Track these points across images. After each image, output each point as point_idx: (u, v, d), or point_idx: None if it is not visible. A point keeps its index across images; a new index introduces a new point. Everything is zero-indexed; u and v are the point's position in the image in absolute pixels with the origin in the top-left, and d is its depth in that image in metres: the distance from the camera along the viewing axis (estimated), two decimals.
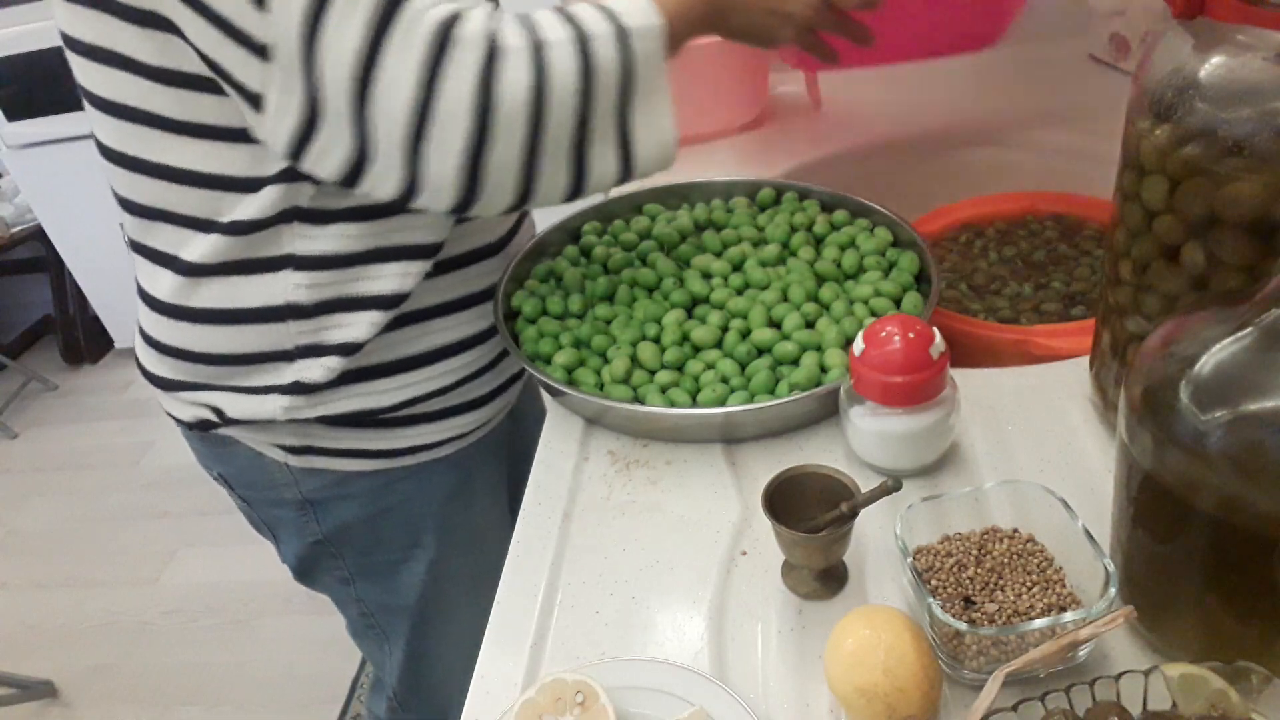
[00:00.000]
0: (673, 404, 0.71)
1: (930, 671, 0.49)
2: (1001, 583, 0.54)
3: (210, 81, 0.64)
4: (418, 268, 0.74)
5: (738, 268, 0.83)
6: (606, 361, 0.76)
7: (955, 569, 0.55)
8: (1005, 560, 0.55)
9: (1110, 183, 0.61)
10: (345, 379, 0.77)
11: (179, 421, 0.83)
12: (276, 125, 0.63)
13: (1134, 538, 0.51)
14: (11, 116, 2.44)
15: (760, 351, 0.75)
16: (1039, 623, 0.49)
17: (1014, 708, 0.44)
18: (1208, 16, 0.49)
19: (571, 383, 0.74)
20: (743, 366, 0.74)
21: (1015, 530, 0.56)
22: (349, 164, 0.63)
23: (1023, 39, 1.23)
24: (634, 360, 0.75)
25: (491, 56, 0.59)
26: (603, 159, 0.65)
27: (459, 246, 0.79)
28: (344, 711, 1.73)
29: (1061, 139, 1.04)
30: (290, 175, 0.67)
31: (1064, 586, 0.53)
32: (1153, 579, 0.51)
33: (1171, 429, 0.45)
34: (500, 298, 0.82)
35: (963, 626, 0.48)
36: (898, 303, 0.77)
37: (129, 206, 0.73)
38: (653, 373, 0.74)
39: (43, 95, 2.38)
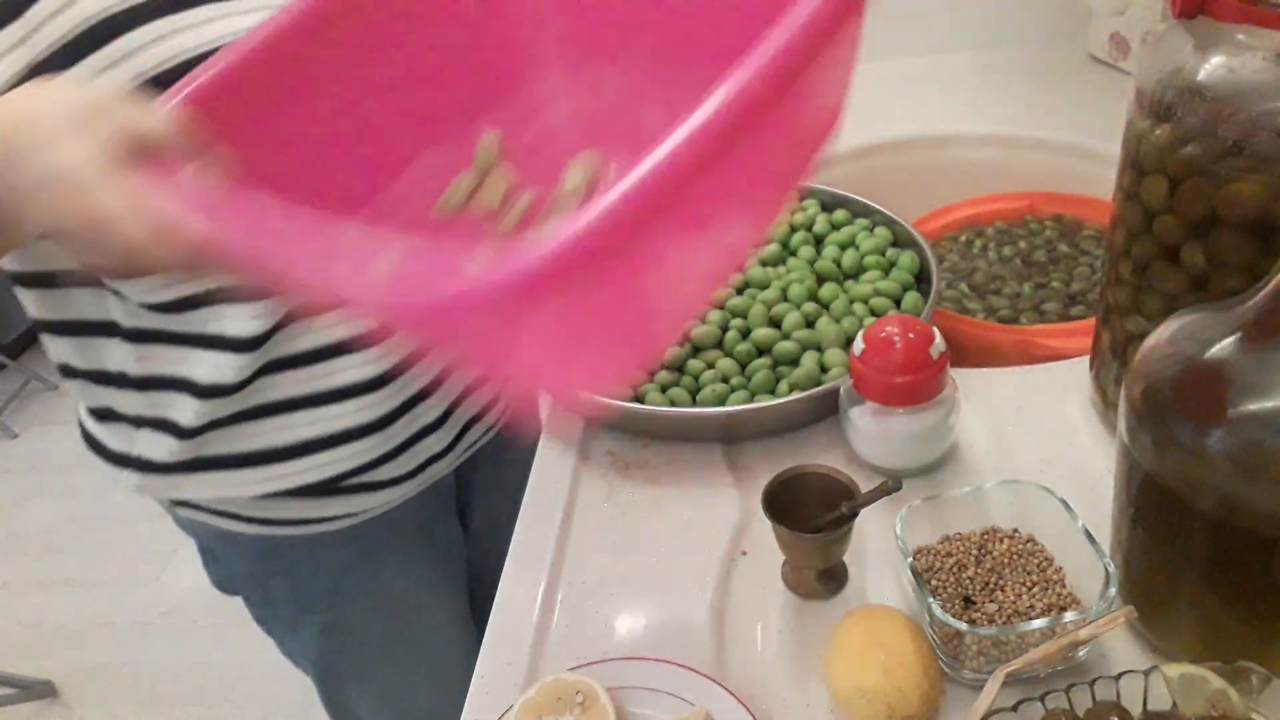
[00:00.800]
0: (673, 404, 0.71)
1: (930, 671, 0.49)
2: (1001, 583, 0.54)
3: None
4: (235, 361, 0.64)
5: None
6: None
7: (955, 569, 0.55)
8: (1005, 560, 0.55)
9: (1110, 183, 0.61)
10: (195, 465, 0.69)
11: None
12: None
13: (1134, 538, 0.51)
14: None
15: (760, 351, 0.75)
16: (1039, 623, 0.49)
17: (1014, 708, 0.44)
18: (1208, 16, 0.49)
19: None
20: (743, 366, 0.74)
21: (1015, 530, 0.56)
22: None
23: (1023, 39, 1.24)
24: None
25: None
26: None
27: (297, 346, 0.66)
28: None
29: (1061, 139, 1.04)
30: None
31: (1064, 586, 0.53)
32: (1153, 579, 0.51)
33: (1171, 429, 0.45)
34: None
35: (963, 626, 0.48)
36: (898, 302, 0.77)
37: None
38: (652, 373, 0.74)
39: None
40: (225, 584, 0.84)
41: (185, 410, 0.66)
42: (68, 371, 0.69)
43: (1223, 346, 0.44)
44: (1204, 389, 0.44)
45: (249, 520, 0.74)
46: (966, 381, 0.69)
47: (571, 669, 0.55)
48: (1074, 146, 1.03)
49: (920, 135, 1.10)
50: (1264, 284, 0.43)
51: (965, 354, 0.80)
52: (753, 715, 0.51)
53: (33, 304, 0.66)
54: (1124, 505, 0.51)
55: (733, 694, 0.52)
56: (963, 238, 1.00)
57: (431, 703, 0.56)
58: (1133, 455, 0.48)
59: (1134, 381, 0.48)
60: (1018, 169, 1.06)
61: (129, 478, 0.71)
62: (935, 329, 0.64)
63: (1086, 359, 0.69)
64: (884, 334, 0.63)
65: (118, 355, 0.66)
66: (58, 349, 0.68)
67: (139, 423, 0.68)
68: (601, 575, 0.63)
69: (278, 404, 0.68)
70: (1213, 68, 0.50)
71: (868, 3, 0.41)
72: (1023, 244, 0.97)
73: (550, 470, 0.72)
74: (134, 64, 0.53)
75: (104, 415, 0.70)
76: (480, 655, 0.59)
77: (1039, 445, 0.66)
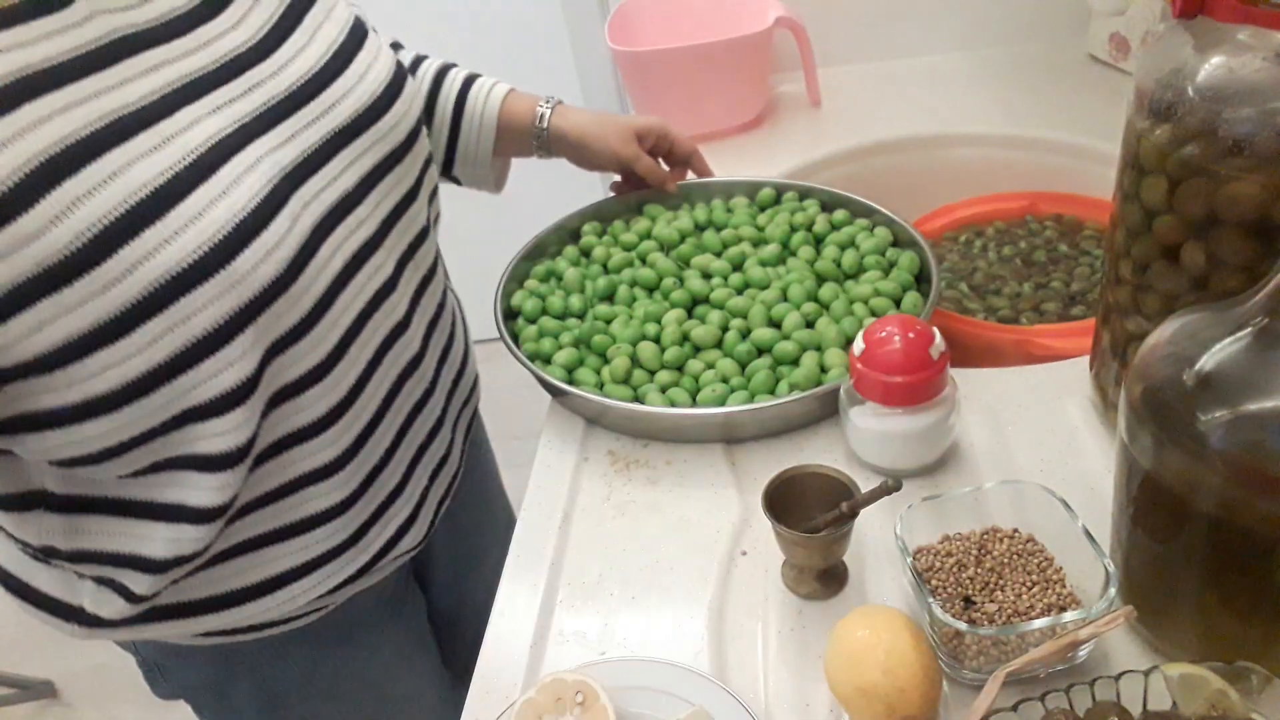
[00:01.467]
0: (673, 404, 0.71)
1: (930, 671, 0.49)
2: (1001, 583, 0.54)
3: None
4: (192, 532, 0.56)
5: (738, 267, 0.82)
6: (606, 361, 0.76)
7: (955, 569, 0.55)
8: (1005, 560, 0.55)
9: (1110, 183, 0.61)
10: (152, 615, 0.61)
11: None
12: None
13: (1134, 538, 0.51)
14: None
15: (760, 351, 0.75)
16: (1039, 623, 0.49)
17: (1014, 708, 0.44)
18: (1208, 16, 0.49)
19: (571, 382, 0.74)
20: (743, 366, 0.74)
21: (1015, 530, 0.56)
22: None
23: (1023, 39, 1.24)
24: (634, 360, 0.75)
25: None
26: None
27: (280, 478, 0.59)
28: None
29: (1061, 139, 1.04)
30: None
31: (1064, 586, 0.53)
32: (1153, 579, 0.51)
33: (1171, 429, 0.45)
34: (499, 297, 0.82)
35: (963, 626, 0.48)
36: (898, 302, 0.77)
37: None
38: (653, 372, 0.74)
39: None
40: (172, 695, 0.75)
41: (137, 582, 0.57)
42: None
43: (1223, 346, 0.44)
44: (1204, 389, 0.44)
45: (207, 634, 0.66)
46: (966, 381, 0.69)
47: (571, 669, 0.55)
48: (1074, 146, 1.03)
49: (920, 135, 1.10)
50: (1264, 284, 0.43)
51: (965, 354, 0.80)
52: (753, 715, 0.51)
53: None
54: (1124, 505, 0.51)
55: (733, 694, 0.52)
56: (963, 238, 1.00)
57: None
58: (1133, 455, 0.48)
59: (1134, 381, 0.48)
60: (1018, 169, 1.06)
61: (70, 629, 0.62)
62: (935, 329, 0.64)
63: (1086, 359, 0.69)
64: (884, 334, 0.63)
65: (46, 527, 0.57)
66: None
67: (82, 576, 0.59)
68: (601, 575, 0.63)
69: (245, 543, 0.61)
70: (1213, 68, 0.50)
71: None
72: (1023, 244, 0.97)
73: (550, 470, 0.72)
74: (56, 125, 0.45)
75: (43, 554, 0.60)
76: (480, 655, 0.59)
77: (1039, 445, 0.66)
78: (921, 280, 0.80)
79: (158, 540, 0.56)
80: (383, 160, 0.61)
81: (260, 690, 0.73)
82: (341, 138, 0.58)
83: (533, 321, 0.81)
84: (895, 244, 0.84)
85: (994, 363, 0.77)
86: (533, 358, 0.77)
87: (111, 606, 0.59)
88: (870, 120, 1.14)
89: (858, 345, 0.64)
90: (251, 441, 0.54)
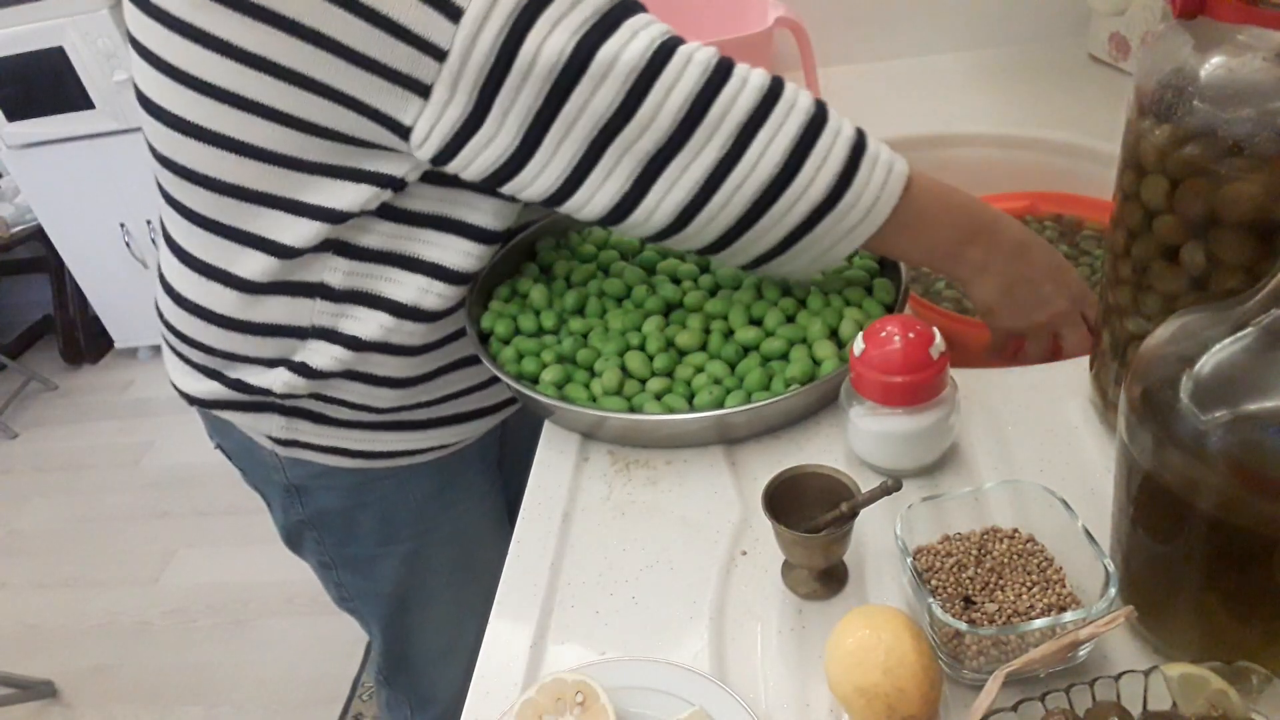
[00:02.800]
0: (670, 410, 0.71)
1: (930, 671, 0.49)
2: (1001, 583, 0.54)
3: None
4: (439, 288, 0.75)
5: (705, 270, 0.82)
6: (593, 375, 0.75)
7: (955, 569, 0.55)
8: (1005, 560, 0.55)
9: (1110, 183, 0.61)
10: (347, 375, 0.78)
11: (182, 394, 0.85)
12: (440, 115, 0.62)
13: (1134, 538, 0.51)
14: (11, 116, 2.44)
15: (747, 350, 0.75)
16: (1039, 623, 0.49)
17: (1014, 708, 0.44)
18: (1208, 16, 0.49)
19: (565, 399, 0.73)
20: (732, 366, 0.74)
21: (1015, 530, 0.56)
22: (504, 162, 0.64)
23: (1023, 39, 1.24)
24: (624, 370, 0.74)
25: (718, 75, 0.61)
26: (763, 235, 0.66)
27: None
28: (344, 711, 1.73)
29: (1061, 139, 1.04)
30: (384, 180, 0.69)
31: (1064, 586, 0.53)
32: (1153, 579, 0.51)
33: (1171, 429, 0.45)
34: (470, 321, 0.80)
35: (963, 626, 0.48)
36: (869, 289, 0.78)
37: (209, 184, 0.71)
38: (644, 381, 0.74)
39: (43, 95, 2.38)
40: (305, 525, 0.91)
41: (368, 325, 0.75)
42: (257, 287, 0.75)
43: (1223, 346, 0.44)
44: (1204, 389, 0.44)
45: (353, 454, 0.84)
46: (966, 381, 0.69)
47: (571, 669, 0.55)
48: (1074, 146, 1.03)
49: (920, 135, 1.10)
50: (1264, 284, 0.43)
51: (965, 354, 0.80)
52: (753, 715, 0.51)
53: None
54: (1124, 505, 0.51)
55: (733, 694, 0.52)
56: None
57: (476, 637, 0.59)
58: (1133, 455, 0.48)
59: (1134, 381, 0.48)
60: (1018, 169, 1.06)
61: (278, 375, 0.78)
62: (935, 329, 0.64)
63: (1086, 359, 0.69)
64: (884, 334, 0.63)
65: (321, 268, 0.73)
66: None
67: (307, 334, 0.77)
68: (601, 575, 0.63)
69: (454, 334, 0.80)
70: (1213, 68, 0.50)
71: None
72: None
73: (550, 470, 0.72)
74: None
75: (267, 330, 0.77)
76: (480, 655, 0.59)
77: (1039, 445, 0.66)
78: (886, 266, 0.81)
79: (409, 288, 0.74)
80: None
81: (381, 520, 0.89)
82: None
83: (506, 342, 0.79)
84: None
85: (992, 363, 0.77)
86: (518, 378, 0.75)
87: (328, 357, 0.76)
88: (870, 120, 1.13)
89: (857, 345, 0.64)
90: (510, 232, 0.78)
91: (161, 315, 0.84)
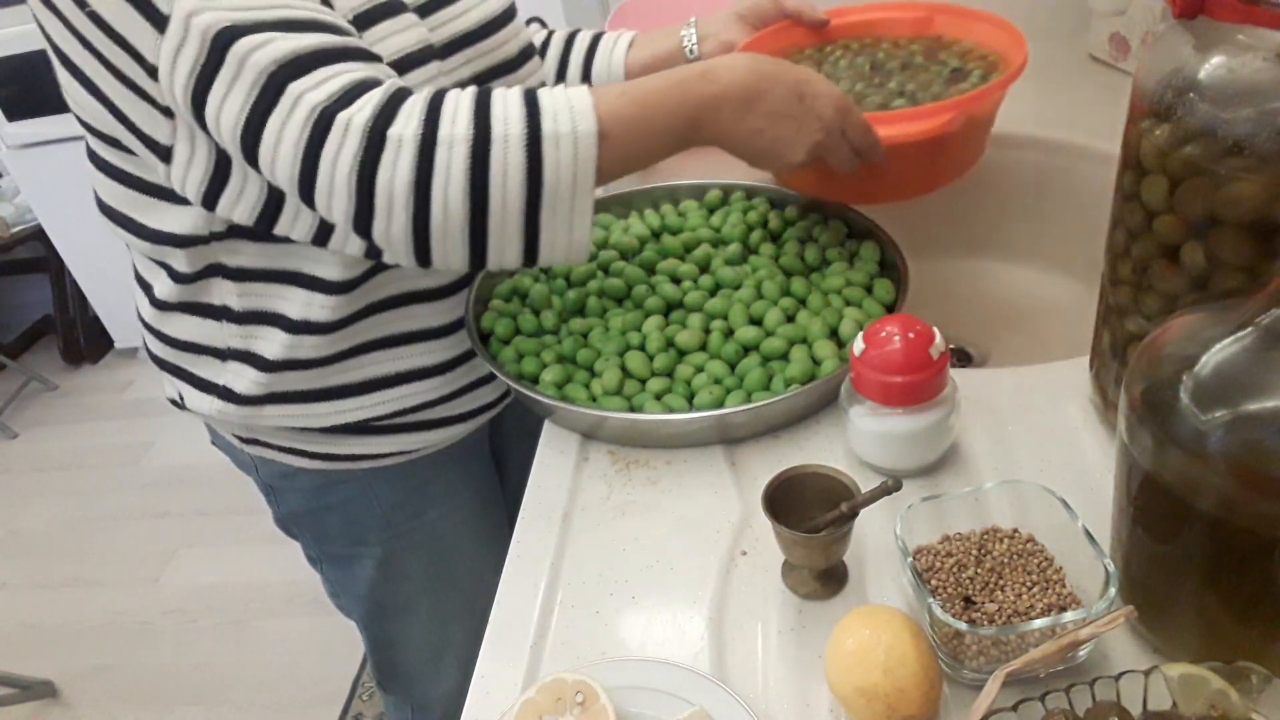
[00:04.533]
0: (670, 410, 0.71)
1: (930, 671, 0.49)
2: (1001, 583, 0.54)
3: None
4: (322, 300, 0.74)
5: (705, 269, 0.82)
6: (593, 375, 0.75)
7: (955, 569, 0.55)
8: (1005, 560, 0.55)
9: (1110, 183, 0.61)
10: (273, 398, 0.78)
11: (167, 397, 0.87)
12: (186, 175, 0.66)
13: (1134, 538, 0.51)
14: (11, 116, 2.45)
15: (747, 350, 0.75)
16: (1039, 623, 0.49)
17: (1014, 708, 0.44)
18: (1208, 16, 0.49)
19: (565, 399, 0.73)
20: (732, 366, 0.74)
21: (1015, 530, 0.56)
22: (260, 211, 0.67)
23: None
24: (623, 370, 0.74)
25: (371, 147, 0.58)
26: (502, 250, 0.63)
27: (394, 288, 0.78)
28: (344, 711, 1.73)
29: (1061, 139, 1.04)
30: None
31: (1064, 586, 0.53)
32: (1153, 579, 0.51)
33: (1171, 429, 0.45)
34: (471, 321, 0.80)
35: (963, 626, 0.48)
36: (869, 289, 0.78)
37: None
38: (644, 381, 0.74)
39: (43, 95, 2.38)
40: (285, 522, 0.93)
41: (271, 344, 0.75)
42: (181, 307, 0.78)
43: (1223, 346, 0.44)
44: (1204, 389, 0.44)
45: (312, 455, 0.83)
46: (966, 381, 0.69)
47: (571, 669, 0.55)
48: (1074, 146, 1.03)
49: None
50: (1264, 284, 0.43)
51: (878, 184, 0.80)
52: (753, 715, 0.51)
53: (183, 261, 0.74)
54: (1124, 505, 0.51)
55: (733, 694, 0.52)
56: (828, 48, 0.96)
57: (465, 644, 0.59)
58: (1133, 455, 0.48)
59: (1134, 381, 0.48)
60: (1018, 169, 1.06)
61: (211, 403, 0.79)
62: (935, 329, 0.64)
63: (1086, 359, 0.69)
64: (884, 334, 0.63)
65: (219, 292, 0.75)
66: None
67: (225, 355, 0.78)
68: (601, 575, 0.63)
69: (363, 345, 0.78)
70: (1213, 68, 0.50)
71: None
72: (881, 54, 0.92)
73: (550, 470, 0.72)
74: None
75: (194, 348, 0.79)
76: (480, 655, 0.59)
77: (1039, 445, 0.66)
78: (885, 267, 0.81)
79: (296, 303, 0.74)
80: (494, 67, 0.80)
81: (347, 523, 0.89)
82: (464, 41, 0.76)
83: (506, 342, 0.79)
84: (850, 235, 0.85)
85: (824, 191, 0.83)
86: (518, 378, 0.75)
87: (246, 381, 0.77)
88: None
89: (857, 345, 0.64)
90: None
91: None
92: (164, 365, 0.83)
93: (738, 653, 0.57)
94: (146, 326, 0.82)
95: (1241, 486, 0.43)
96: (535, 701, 0.52)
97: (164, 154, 0.66)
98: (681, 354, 0.76)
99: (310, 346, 0.76)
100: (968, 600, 0.53)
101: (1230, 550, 0.46)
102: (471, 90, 0.62)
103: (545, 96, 0.62)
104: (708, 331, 0.76)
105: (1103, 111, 1.03)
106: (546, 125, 0.60)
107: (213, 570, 2.09)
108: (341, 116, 0.58)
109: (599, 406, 0.72)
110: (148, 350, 0.85)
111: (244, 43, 0.58)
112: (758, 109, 0.67)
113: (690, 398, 0.72)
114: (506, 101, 0.61)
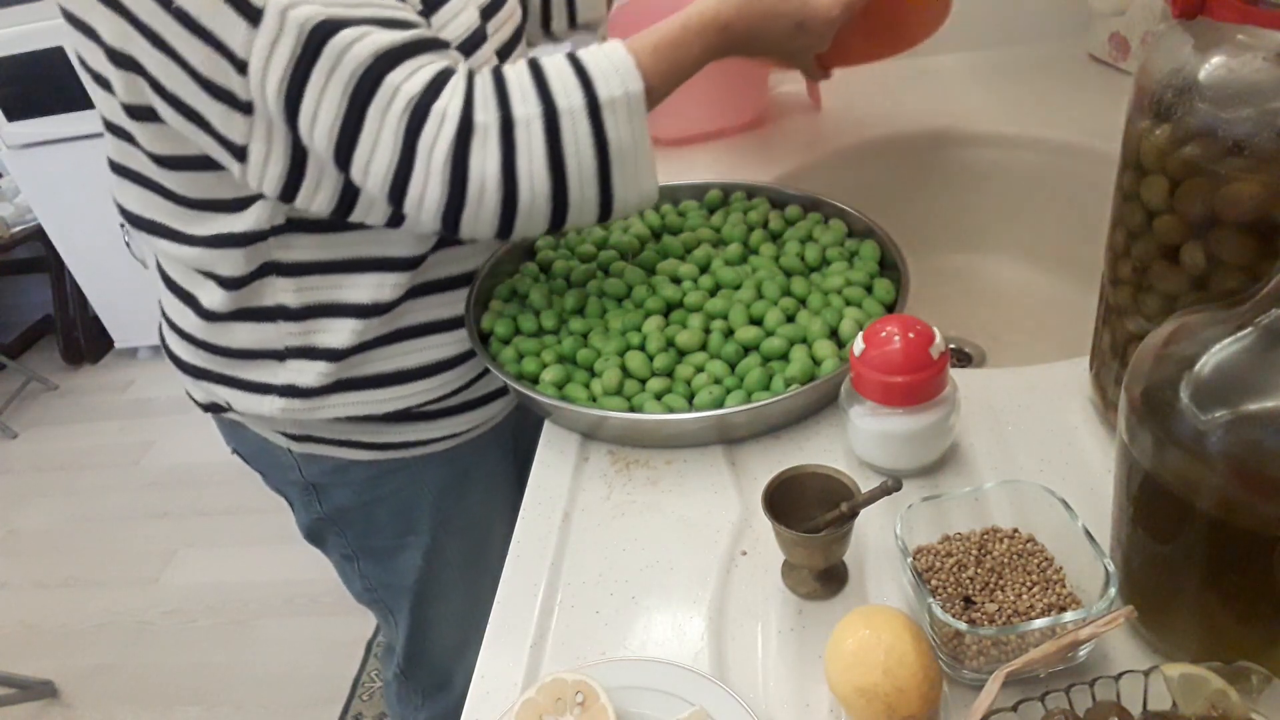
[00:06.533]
0: (670, 410, 0.71)
1: (930, 671, 0.49)
2: (1001, 583, 0.54)
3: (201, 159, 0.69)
4: (393, 279, 0.77)
5: (705, 269, 0.82)
6: (593, 375, 0.75)
7: (955, 569, 0.55)
8: (1005, 560, 0.55)
9: (1110, 183, 0.61)
10: (339, 386, 0.80)
11: (195, 402, 0.87)
12: (263, 173, 0.66)
13: (1134, 538, 0.51)
14: (11, 116, 2.44)
15: (747, 350, 0.75)
16: (1039, 623, 0.49)
17: (1014, 708, 0.44)
18: (1208, 16, 0.49)
19: (565, 399, 0.73)
20: (732, 366, 0.74)
21: (1015, 530, 0.56)
22: (338, 201, 0.68)
23: (1023, 39, 1.24)
24: (624, 370, 0.74)
25: (462, 134, 0.62)
26: (581, 213, 0.67)
27: (446, 270, 0.81)
28: (344, 711, 1.73)
29: (1061, 139, 1.04)
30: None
31: (1064, 586, 0.53)
32: (1153, 579, 0.51)
33: (1171, 429, 0.45)
34: (470, 321, 0.80)
35: (963, 626, 0.48)
36: (869, 289, 0.78)
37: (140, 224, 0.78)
38: (644, 381, 0.74)
39: (43, 95, 2.38)
40: (325, 522, 0.92)
41: (340, 334, 0.77)
42: (225, 315, 0.78)
43: (1223, 346, 0.44)
44: (1204, 389, 0.44)
45: (367, 446, 0.85)
46: (966, 381, 0.69)
47: (571, 669, 0.55)
48: (1074, 146, 1.03)
49: (920, 135, 1.10)
50: (1264, 284, 0.43)
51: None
52: (753, 715, 0.51)
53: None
54: (1124, 505, 0.51)
55: (733, 694, 0.52)
56: None
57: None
58: (1133, 455, 0.48)
59: (1134, 381, 0.48)
60: (1018, 169, 1.06)
61: (272, 403, 0.80)
62: (935, 329, 0.64)
63: (1086, 359, 0.69)
64: (884, 334, 0.63)
65: (271, 292, 0.76)
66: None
67: (284, 355, 0.79)
68: (601, 575, 0.63)
69: (415, 328, 0.80)
70: (1213, 68, 0.50)
71: None
72: None
73: (550, 470, 0.72)
74: None
75: (247, 354, 0.80)
76: (480, 655, 0.60)
77: (1039, 445, 0.66)
78: (885, 266, 0.81)
79: (365, 288, 0.76)
80: (514, 34, 0.82)
81: (398, 513, 0.91)
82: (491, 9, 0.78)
83: (506, 342, 0.79)
84: (851, 234, 0.85)
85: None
86: (518, 378, 0.75)
87: (313, 374, 0.78)
88: (870, 120, 1.14)
89: (857, 345, 0.64)
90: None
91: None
92: (206, 375, 0.82)
93: (738, 653, 0.57)
94: (189, 339, 0.81)
95: (1241, 486, 0.43)
96: (535, 701, 0.52)
97: (239, 153, 0.66)
98: (681, 354, 0.76)
99: (379, 325, 0.78)
100: (968, 600, 0.53)
101: (1230, 550, 0.46)
102: (523, 65, 0.66)
103: (590, 62, 0.65)
104: (708, 331, 0.76)
105: (1103, 111, 1.03)
106: (602, 92, 0.64)
107: (212, 570, 2.09)
108: (436, 107, 0.61)
109: (599, 406, 0.72)
110: (180, 361, 0.84)
111: (342, 36, 0.60)
112: (771, 31, 0.74)
113: (690, 398, 0.72)
114: (561, 73, 0.65)
